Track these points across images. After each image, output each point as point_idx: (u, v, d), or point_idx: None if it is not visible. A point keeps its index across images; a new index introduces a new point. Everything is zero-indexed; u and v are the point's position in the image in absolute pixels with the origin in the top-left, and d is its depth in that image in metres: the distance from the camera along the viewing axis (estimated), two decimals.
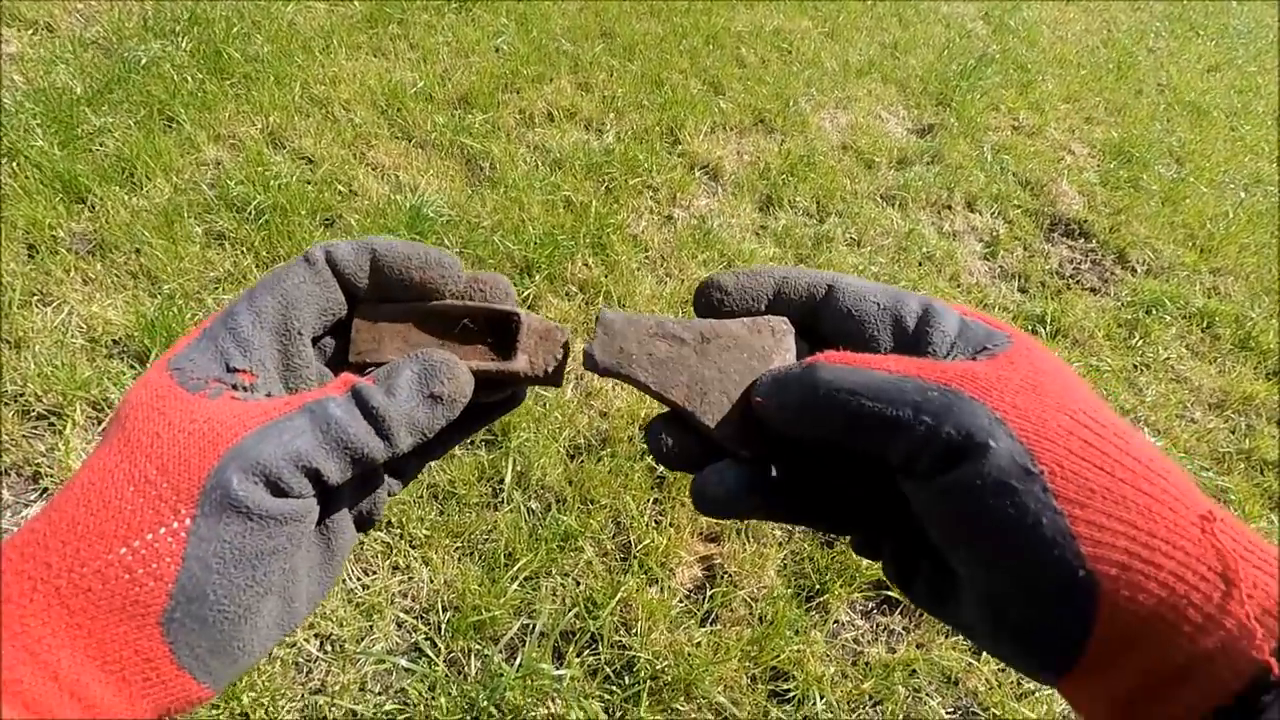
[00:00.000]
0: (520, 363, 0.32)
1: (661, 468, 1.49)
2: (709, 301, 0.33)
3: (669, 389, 0.31)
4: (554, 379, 0.33)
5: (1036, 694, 1.28)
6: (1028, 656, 0.25)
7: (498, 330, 0.33)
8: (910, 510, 0.27)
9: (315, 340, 0.32)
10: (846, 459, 0.28)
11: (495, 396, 0.33)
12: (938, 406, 0.25)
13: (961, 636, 1.33)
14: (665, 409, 0.32)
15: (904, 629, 1.35)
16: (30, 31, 2.29)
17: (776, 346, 0.31)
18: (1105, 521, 0.22)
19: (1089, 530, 0.22)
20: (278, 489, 0.25)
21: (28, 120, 1.93)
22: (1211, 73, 4.03)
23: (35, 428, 1.39)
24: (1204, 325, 2.26)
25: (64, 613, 0.23)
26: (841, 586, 1.36)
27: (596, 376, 1.66)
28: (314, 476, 0.26)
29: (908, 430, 0.25)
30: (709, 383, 0.31)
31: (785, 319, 0.32)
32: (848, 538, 0.32)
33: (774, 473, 0.30)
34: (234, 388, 0.28)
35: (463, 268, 0.33)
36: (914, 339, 0.29)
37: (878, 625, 1.35)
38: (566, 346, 0.33)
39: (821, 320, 0.32)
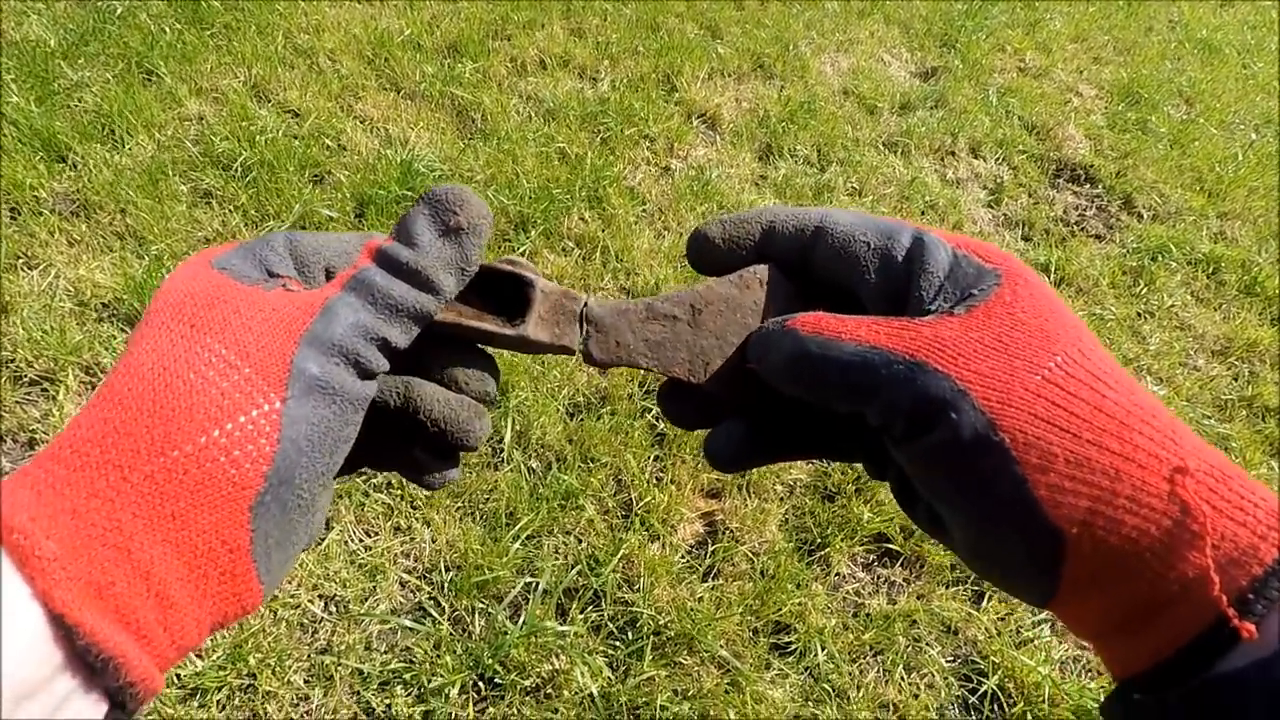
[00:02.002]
0: (530, 327, 0.31)
1: (664, 424, 1.49)
2: (698, 252, 0.33)
3: (671, 368, 0.31)
4: (567, 348, 0.32)
5: (1035, 642, 1.30)
6: (1009, 590, 0.27)
7: (508, 289, 0.32)
8: None
9: None
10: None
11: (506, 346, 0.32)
12: (902, 379, 0.25)
13: (961, 584, 1.35)
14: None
15: (904, 580, 1.36)
16: None
17: (767, 297, 0.32)
18: (1067, 484, 0.23)
19: (1050, 493, 0.23)
20: (359, 366, 0.26)
21: (2, 76, 1.86)
22: (1225, 6, 3.90)
23: (28, 394, 1.38)
24: (1209, 271, 2.23)
25: (156, 500, 0.22)
26: (843, 540, 1.37)
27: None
28: (384, 346, 0.27)
29: (876, 401, 0.26)
30: (709, 351, 0.31)
31: (769, 266, 0.32)
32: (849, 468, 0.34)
33: (777, 422, 0.31)
34: (283, 288, 0.28)
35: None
36: (904, 278, 0.29)
37: (878, 577, 1.37)
38: (584, 316, 0.32)
39: (813, 261, 0.31)
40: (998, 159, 2.45)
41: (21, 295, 1.50)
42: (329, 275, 0.30)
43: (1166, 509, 0.23)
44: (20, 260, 1.57)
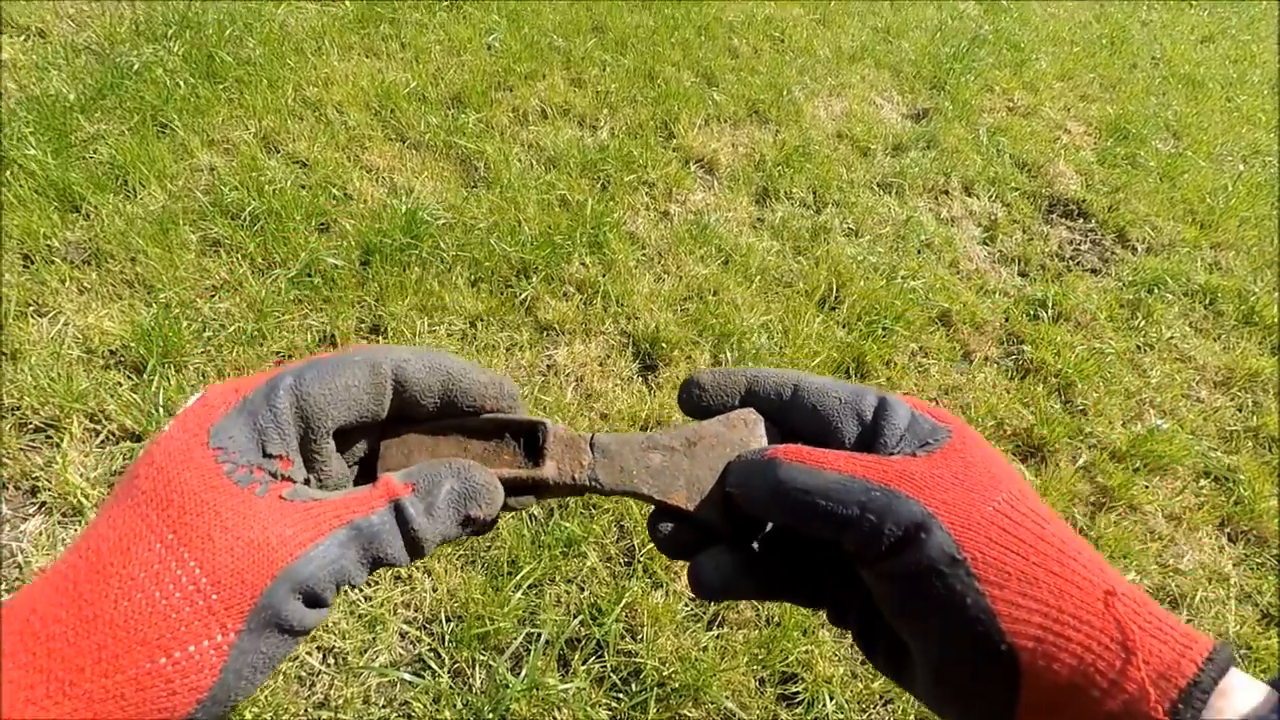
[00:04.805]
0: (548, 469, 0.34)
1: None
2: (690, 396, 0.37)
3: (670, 494, 0.34)
4: (580, 488, 0.35)
5: None
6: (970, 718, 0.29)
7: (524, 438, 0.35)
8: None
9: None
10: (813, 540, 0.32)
11: (520, 505, 0.35)
12: (880, 505, 0.29)
13: None
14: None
15: None
16: (22, 38, 2.28)
17: (751, 435, 0.36)
18: (1020, 600, 0.26)
19: (1007, 608, 0.26)
20: (316, 601, 0.27)
21: (20, 128, 1.92)
22: (1206, 43, 3.99)
23: (32, 441, 1.39)
24: (1207, 302, 2.25)
25: (89, 717, 0.23)
26: None
27: (594, 378, 1.65)
28: (344, 585, 0.28)
29: (856, 525, 0.29)
30: (703, 480, 0.35)
31: (753, 410, 0.36)
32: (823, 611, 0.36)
33: (756, 549, 0.34)
34: (273, 476, 0.29)
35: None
36: (871, 430, 0.33)
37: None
38: (591, 444, 0.36)
39: (790, 415, 0.36)
40: (991, 197, 2.49)
41: (30, 342, 1.52)
42: (335, 438, 0.31)
43: (1104, 626, 0.26)
44: (31, 308, 1.60)
